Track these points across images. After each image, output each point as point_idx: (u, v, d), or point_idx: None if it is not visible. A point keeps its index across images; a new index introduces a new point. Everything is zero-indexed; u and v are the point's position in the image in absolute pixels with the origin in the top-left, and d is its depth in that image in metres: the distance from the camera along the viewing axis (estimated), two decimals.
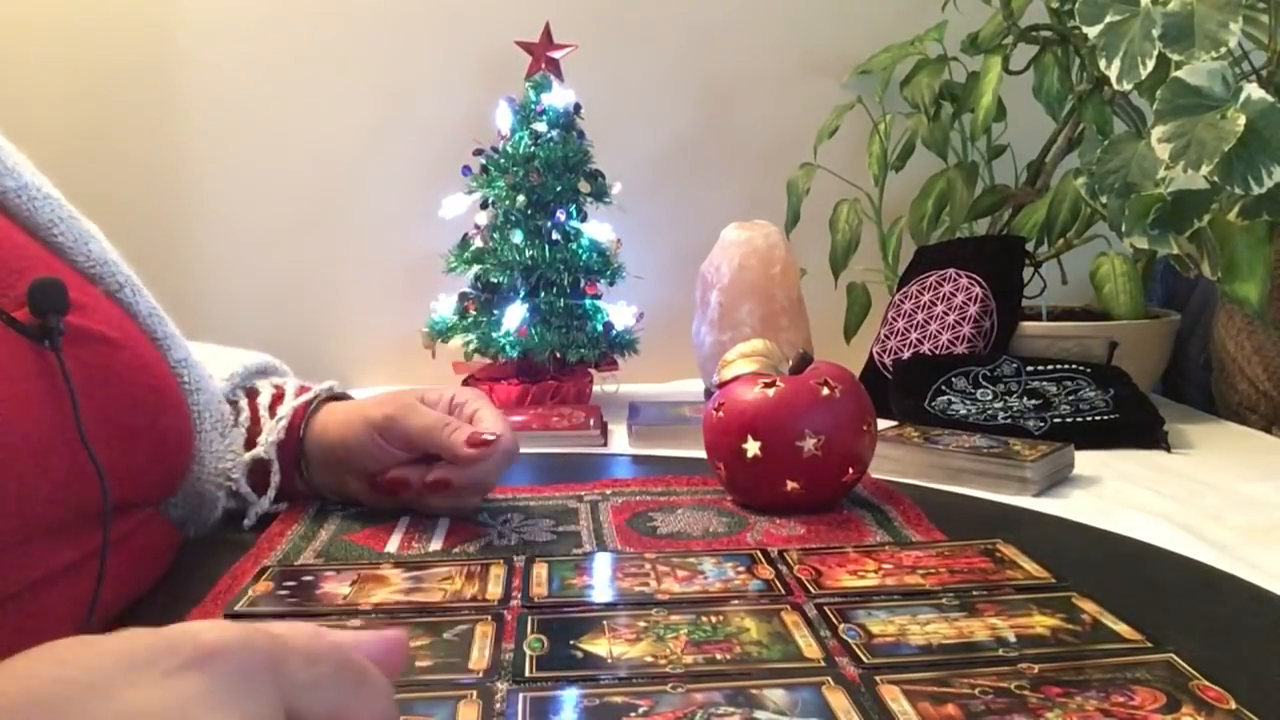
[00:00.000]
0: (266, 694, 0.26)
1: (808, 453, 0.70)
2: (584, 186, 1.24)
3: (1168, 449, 0.97)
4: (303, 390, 0.75)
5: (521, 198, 1.19)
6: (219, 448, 0.66)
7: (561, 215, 1.21)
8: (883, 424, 0.83)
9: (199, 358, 0.65)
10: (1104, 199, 0.98)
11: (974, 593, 0.55)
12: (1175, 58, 0.88)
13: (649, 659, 0.47)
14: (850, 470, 0.73)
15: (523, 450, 0.96)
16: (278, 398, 0.73)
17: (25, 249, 0.53)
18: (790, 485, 0.71)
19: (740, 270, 1.11)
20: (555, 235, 1.21)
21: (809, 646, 0.48)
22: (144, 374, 0.57)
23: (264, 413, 0.72)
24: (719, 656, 0.48)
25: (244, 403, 0.73)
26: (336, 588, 0.57)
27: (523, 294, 1.19)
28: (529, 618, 0.52)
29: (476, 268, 1.22)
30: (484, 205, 1.24)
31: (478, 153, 1.25)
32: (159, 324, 0.61)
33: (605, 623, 0.51)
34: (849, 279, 1.39)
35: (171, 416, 0.60)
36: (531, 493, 0.78)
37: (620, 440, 1.05)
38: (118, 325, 0.56)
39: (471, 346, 1.19)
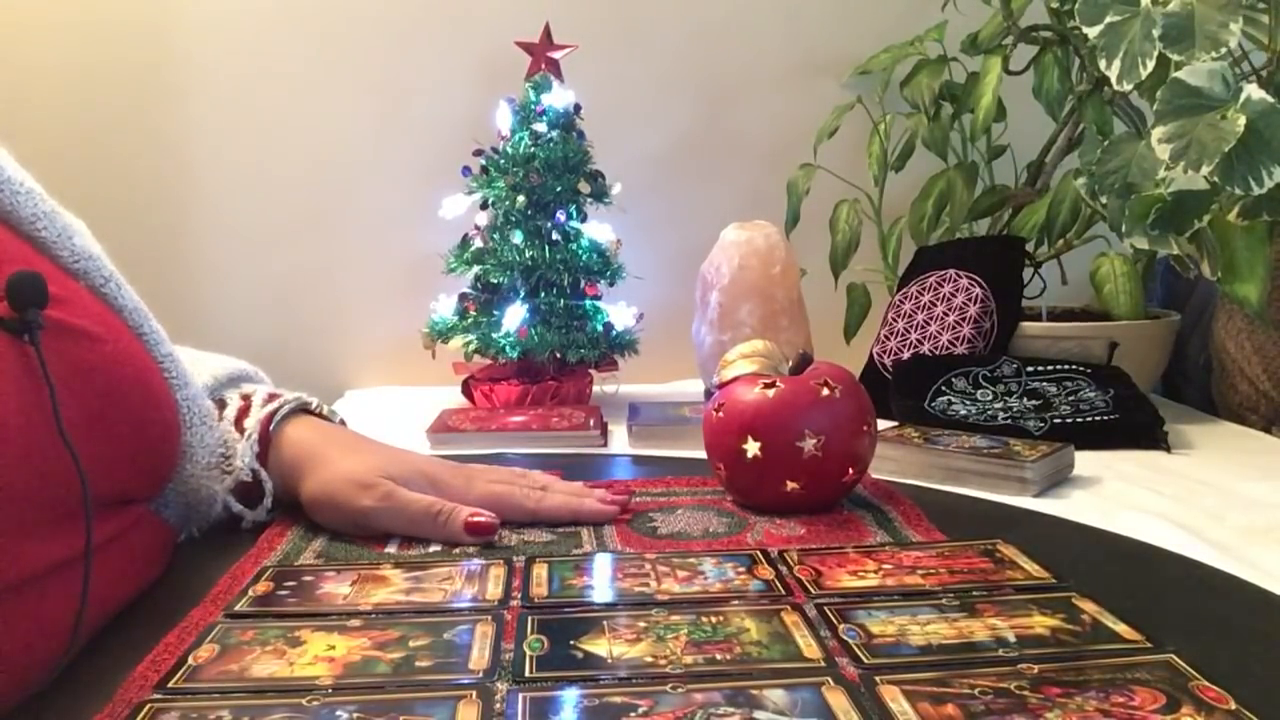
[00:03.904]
0: None
1: (808, 453, 0.70)
2: (584, 187, 1.23)
3: (1168, 449, 0.97)
4: (271, 398, 0.73)
5: (521, 198, 1.19)
6: (210, 441, 0.66)
7: (561, 216, 1.21)
8: (883, 424, 0.83)
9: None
10: (1104, 199, 0.98)
11: (974, 593, 0.55)
12: (1175, 58, 0.88)
13: (649, 659, 0.47)
14: (850, 470, 0.73)
15: (523, 451, 0.97)
16: (244, 410, 0.72)
17: (5, 244, 0.52)
18: (790, 485, 0.71)
19: (740, 270, 1.11)
20: (555, 236, 1.21)
21: (809, 647, 0.48)
22: (128, 368, 0.56)
23: (230, 426, 0.71)
24: (719, 657, 0.48)
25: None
26: (336, 588, 0.57)
27: (523, 294, 1.19)
28: (529, 618, 0.52)
29: (476, 268, 1.22)
30: (484, 206, 1.24)
31: (478, 153, 1.25)
32: (143, 319, 0.60)
33: (605, 623, 0.51)
34: (849, 279, 1.39)
35: (157, 410, 0.59)
36: None
37: (620, 440, 1.05)
38: (101, 320, 0.55)
39: (471, 347, 1.19)
